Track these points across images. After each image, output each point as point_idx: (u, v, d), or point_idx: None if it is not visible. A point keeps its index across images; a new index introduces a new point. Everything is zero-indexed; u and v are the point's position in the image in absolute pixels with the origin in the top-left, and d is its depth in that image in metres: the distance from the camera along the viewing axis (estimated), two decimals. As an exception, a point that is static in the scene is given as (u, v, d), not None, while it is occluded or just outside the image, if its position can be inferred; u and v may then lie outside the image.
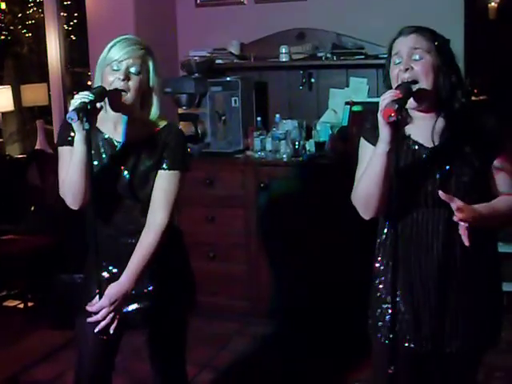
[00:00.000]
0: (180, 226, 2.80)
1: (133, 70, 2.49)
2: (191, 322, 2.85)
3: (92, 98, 2.35)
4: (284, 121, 4.92)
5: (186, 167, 2.63)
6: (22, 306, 5.20)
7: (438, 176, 2.26)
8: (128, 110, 2.53)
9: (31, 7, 7.81)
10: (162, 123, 2.64)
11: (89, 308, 2.50)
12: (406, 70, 2.25)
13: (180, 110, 5.01)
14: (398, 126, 2.13)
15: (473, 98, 8.13)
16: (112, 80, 2.47)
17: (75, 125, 2.35)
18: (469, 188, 2.26)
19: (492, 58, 7.91)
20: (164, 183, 2.57)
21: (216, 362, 4.32)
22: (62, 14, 5.85)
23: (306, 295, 4.62)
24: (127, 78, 2.47)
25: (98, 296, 2.49)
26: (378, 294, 2.47)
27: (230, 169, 4.83)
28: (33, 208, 5.63)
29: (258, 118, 5.00)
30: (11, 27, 8.11)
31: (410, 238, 2.33)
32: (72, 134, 2.49)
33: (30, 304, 5.18)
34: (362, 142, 2.43)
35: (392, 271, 2.26)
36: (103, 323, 2.49)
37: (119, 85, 2.46)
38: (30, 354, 4.45)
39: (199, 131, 4.97)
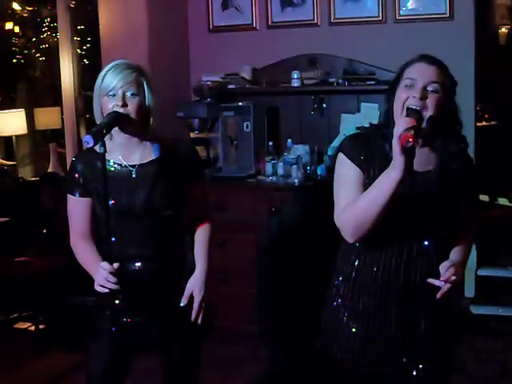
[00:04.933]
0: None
1: (129, 93, 2.54)
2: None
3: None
4: (296, 146, 4.94)
5: None
6: (33, 328, 5.20)
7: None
8: (135, 132, 2.61)
9: (45, 31, 7.88)
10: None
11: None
12: (421, 99, 2.27)
13: (192, 135, 5.05)
14: (412, 153, 2.15)
15: (483, 123, 8.16)
16: (111, 107, 2.53)
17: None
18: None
19: (502, 84, 7.93)
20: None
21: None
22: (75, 38, 5.90)
23: (318, 319, 4.60)
24: (125, 103, 2.53)
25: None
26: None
27: (241, 193, 4.85)
28: (45, 230, 5.66)
29: (270, 143, 5.02)
30: (25, 51, 8.17)
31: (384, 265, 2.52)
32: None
33: (41, 326, 5.19)
34: (343, 159, 2.54)
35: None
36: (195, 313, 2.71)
37: (119, 111, 2.51)
38: (40, 377, 4.46)
39: (211, 155, 5.01)
